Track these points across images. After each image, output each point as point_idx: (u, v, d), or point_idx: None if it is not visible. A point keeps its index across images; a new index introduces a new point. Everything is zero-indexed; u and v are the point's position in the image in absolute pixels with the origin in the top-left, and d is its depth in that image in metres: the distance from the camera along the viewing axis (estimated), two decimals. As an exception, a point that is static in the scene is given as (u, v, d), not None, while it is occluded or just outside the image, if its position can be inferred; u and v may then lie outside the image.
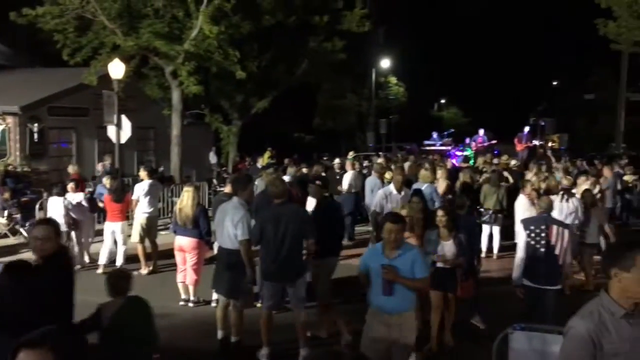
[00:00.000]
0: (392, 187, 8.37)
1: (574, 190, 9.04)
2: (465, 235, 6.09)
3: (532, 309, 5.82)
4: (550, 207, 6.34)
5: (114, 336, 4.00)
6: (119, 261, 9.26)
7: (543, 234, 5.87)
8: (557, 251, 5.87)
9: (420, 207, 6.77)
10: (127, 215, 9.65)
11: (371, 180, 10.97)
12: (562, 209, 8.11)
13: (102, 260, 9.25)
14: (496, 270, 9.27)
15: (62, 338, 1.91)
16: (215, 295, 6.82)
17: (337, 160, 14.22)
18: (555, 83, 49.18)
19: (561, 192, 8.47)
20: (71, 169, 12.66)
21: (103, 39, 15.17)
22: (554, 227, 5.95)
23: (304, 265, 5.91)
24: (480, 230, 7.80)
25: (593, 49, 26.85)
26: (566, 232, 6.00)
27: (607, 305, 2.56)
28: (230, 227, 5.83)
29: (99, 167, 15.09)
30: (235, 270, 5.90)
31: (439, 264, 5.97)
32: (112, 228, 9.30)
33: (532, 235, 5.92)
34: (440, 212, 6.07)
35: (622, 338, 2.51)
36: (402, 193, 8.11)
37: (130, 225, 9.69)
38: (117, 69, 13.04)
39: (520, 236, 6.06)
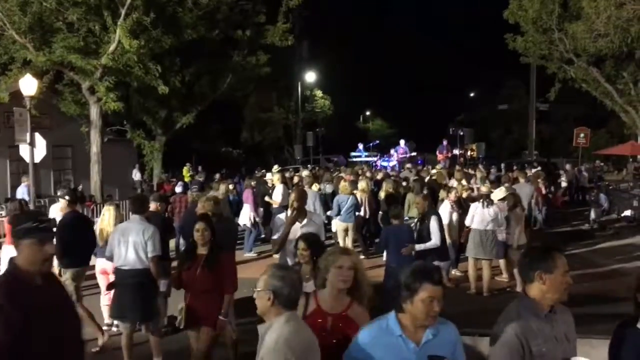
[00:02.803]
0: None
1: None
2: None
3: None
4: None
5: None
6: None
7: None
8: None
9: (207, 238, 5.11)
10: None
11: (308, 193, 10.70)
12: (484, 215, 8.46)
13: None
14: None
15: None
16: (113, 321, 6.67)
17: (268, 175, 14.10)
18: (472, 94, 51.61)
19: (481, 199, 8.80)
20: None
21: (13, 54, 14.44)
22: None
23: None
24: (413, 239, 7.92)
25: (505, 62, 28.44)
26: None
27: (529, 307, 2.68)
28: (141, 244, 5.71)
29: None
30: (147, 291, 5.74)
31: None
32: (9, 252, 8.74)
33: None
34: (301, 244, 4.56)
35: (546, 338, 2.64)
36: (305, 221, 5.73)
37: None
38: (29, 85, 12.36)
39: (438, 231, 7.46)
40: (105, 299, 7.26)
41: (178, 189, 14.66)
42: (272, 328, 2.65)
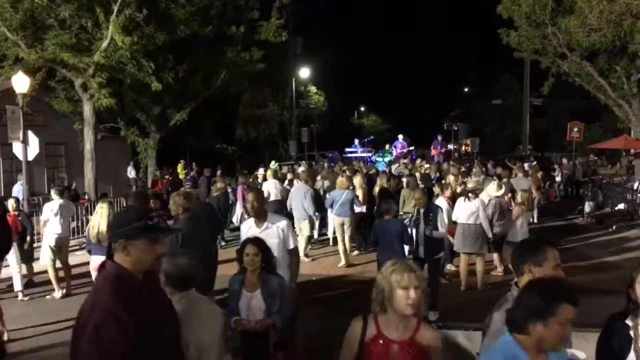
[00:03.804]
0: (251, 220, 5.42)
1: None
2: (280, 280, 4.24)
3: None
4: None
5: None
6: (17, 287, 8.59)
7: None
8: None
9: None
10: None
11: (300, 188, 10.78)
12: (466, 208, 8.52)
13: None
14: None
15: None
16: None
17: (260, 171, 14.23)
18: (466, 90, 51.64)
19: (466, 194, 8.86)
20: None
21: (5, 51, 14.39)
22: None
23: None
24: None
25: (499, 57, 28.47)
26: None
27: None
28: None
29: None
30: None
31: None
32: None
33: None
34: (251, 249, 4.06)
35: None
36: (265, 225, 5.22)
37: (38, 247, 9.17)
38: (21, 83, 12.31)
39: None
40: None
41: (187, 183, 15.11)
42: None
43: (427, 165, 16.16)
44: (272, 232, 5.11)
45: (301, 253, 10.61)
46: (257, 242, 4.16)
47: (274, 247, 4.82)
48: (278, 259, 4.83)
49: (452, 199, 9.43)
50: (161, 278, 3.03)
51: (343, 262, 10.06)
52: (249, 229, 5.29)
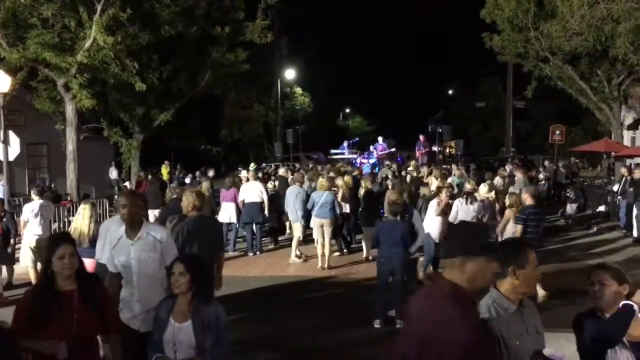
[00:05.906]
0: (122, 229, 4.29)
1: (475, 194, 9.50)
2: (217, 310, 3.52)
3: None
4: None
5: None
6: None
7: None
8: None
9: (75, 266, 3.43)
10: None
11: (293, 190, 10.79)
12: (468, 210, 8.51)
13: None
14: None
15: None
16: None
17: (243, 173, 14.18)
18: (450, 92, 52.00)
19: (465, 196, 8.84)
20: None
21: (-15, 50, 14.09)
22: None
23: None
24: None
25: (483, 60, 28.73)
26: None
27: (500, 302, 2.72)
28: None
29: None
30: None
31: None
32: None
33: None
34: (177, 267, 3.45)
35: (518, 331, 2.70)
36: (139, 235, 4.20)
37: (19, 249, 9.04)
38: (1, 82, 12.14)
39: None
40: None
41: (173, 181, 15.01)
42: None
43: (410, 168, 16.23)
44: (147, 245, 4.16)
45: (292, 254, 10.60)
46: (188, 260, 3.58)
47: (149, 263, 4.10)
48: (156, 278, 4.09)
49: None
50: None
51: (320, 264, 9.93)
52: (117, 239, 4.21)
